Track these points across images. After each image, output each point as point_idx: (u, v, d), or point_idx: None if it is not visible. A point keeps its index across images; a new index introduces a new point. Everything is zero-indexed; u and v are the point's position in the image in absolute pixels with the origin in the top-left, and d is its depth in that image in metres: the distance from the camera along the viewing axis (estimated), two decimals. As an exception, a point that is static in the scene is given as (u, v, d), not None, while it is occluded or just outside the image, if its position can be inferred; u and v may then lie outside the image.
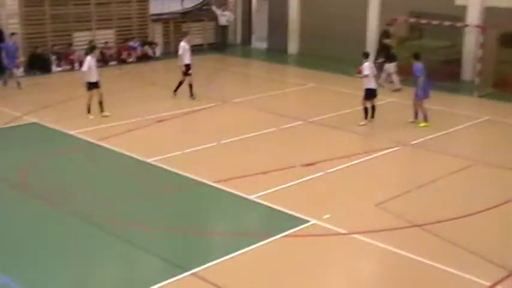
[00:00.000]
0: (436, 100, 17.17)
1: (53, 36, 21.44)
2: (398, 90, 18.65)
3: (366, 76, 15.12)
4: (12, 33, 19.26)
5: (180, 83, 17.47)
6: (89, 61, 15.27)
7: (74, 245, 9.30)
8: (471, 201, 10.90)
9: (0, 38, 20.16)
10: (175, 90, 17.58)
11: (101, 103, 15.53)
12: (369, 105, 15.34)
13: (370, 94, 15.25)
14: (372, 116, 15.42)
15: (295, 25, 25.02)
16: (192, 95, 17.42)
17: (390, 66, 19.03)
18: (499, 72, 18.89)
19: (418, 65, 15.38)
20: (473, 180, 12.09)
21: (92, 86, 15.35)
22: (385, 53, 19.39)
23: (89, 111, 15.47)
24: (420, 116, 15.37)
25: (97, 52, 15.58)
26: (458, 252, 9.08)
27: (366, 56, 15.61)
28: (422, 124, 15.27)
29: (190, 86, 17.42)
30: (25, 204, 10.67)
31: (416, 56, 15.57)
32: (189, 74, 17.44)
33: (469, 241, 9.35)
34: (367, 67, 15.19)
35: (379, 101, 15.71)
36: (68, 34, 21.96)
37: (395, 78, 18.95)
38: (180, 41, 17.96)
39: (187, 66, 17.40)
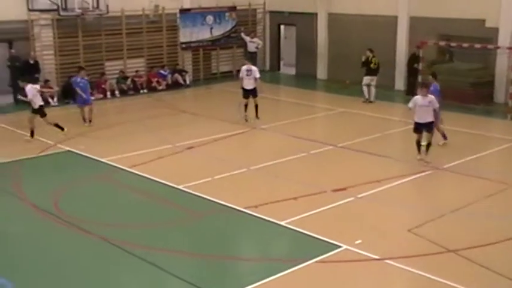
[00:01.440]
0: (469, 123, 16.98)
1: (85, 66, 21.83)
2: (370, 102, 20.34)
3: (435, 110, 13.74)
4: (81, 68, 18.59)
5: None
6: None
7: (105, 270, 9.38)
8: (507, 225, 10.67)
9: (36, 69, 20.68)
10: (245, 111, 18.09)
11: (56, 125, 16.41)
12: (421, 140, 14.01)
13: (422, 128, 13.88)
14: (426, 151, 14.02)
15: (324, 50, 25.11)
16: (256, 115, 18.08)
17: (366, 79, 20.31)
18: (532, 94, 18.59)
19: (436, 85, 14.85)
20: (508, 204, 11.84)
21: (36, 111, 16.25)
22: (366, 68, 20.38)
23: (62, 129, 16.38)
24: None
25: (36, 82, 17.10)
26: (494, 278, 8.87)
27: (426, 86, 14.01)
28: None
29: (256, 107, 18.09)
30: (57, 231, 10.81)
31: (435, 75, 15.30)
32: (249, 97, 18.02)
33: (505, 267, 9.12)
34: (435, 99, 13.67)
35: (407, 125, 15.39)
36: (100, 63, 22.45)
37: (367, 90, 20.39)
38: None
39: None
